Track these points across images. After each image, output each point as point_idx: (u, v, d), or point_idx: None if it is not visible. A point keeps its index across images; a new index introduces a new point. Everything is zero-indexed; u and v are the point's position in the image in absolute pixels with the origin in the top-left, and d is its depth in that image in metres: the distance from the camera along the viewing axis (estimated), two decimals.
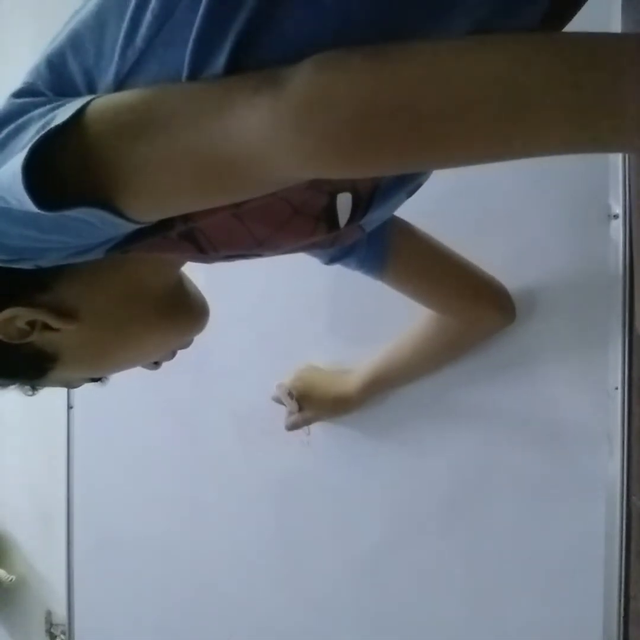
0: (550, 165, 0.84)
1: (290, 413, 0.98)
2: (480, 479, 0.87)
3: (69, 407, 1.31)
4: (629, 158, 0.77)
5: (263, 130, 0.37)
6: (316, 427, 1.03)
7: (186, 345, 0.67)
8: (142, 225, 0.43)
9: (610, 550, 0.78)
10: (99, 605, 1.34)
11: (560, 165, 0.83)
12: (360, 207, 0.58)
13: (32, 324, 0.53)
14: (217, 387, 1.04)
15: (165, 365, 0.66)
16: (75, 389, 0.72)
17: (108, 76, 0.41)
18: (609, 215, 0.78)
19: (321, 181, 0.53)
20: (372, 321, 0.96)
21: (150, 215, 0.43)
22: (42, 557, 1.51)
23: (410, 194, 0.66)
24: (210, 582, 1.16)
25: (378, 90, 0.36)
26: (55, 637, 1.45)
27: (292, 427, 0.98)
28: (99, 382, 0.65)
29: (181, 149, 0.38)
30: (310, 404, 0.97)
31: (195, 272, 1.10)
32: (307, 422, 0.99)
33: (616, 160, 0.78)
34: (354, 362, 0.97)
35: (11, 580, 1.56)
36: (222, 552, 1.15)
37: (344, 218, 0.58)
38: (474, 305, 0.83)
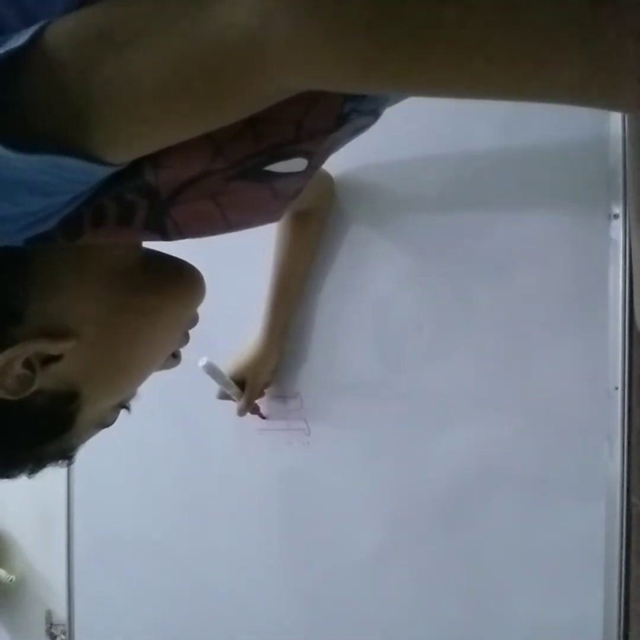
0: (550, 166, 0.84)
1: (237, 398, 1.02)
2: (480, 479, 0.87)
3: None
4: (628, 157, 0.77)
5: (253, 25, 0.31)
6: (316, 427, 1.03)
7: (194, 319, 0.59)
8: (116, 168, 0.37)
9: (610, 550, 0.78)
10: (99, 605, 1.33)
11: (560, 165, 0.83)
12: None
13: (29, 365, 0.45)
14: (216, 387, 1.04)
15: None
16: None
17: (57, 5, 0.35)
18: (609, 215, 0.78)
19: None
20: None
21: (126, 149, 0.36)
22: (42, 557, 1.51)
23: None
24: (210, 582, 1.16)
25: None
26: (55, 637, 1.45)
27: (244, 410, 1.02)
28: (127, 410, 0.58)
29: (153, 62, 0.33)
30: (246, 378, 1.01)
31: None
32: (253, 396, 1.02)
33: (616, 161, 0.78)
34: None
35: (11, 580, 1.55)
36: (222, 552, 1.14)
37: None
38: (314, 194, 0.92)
